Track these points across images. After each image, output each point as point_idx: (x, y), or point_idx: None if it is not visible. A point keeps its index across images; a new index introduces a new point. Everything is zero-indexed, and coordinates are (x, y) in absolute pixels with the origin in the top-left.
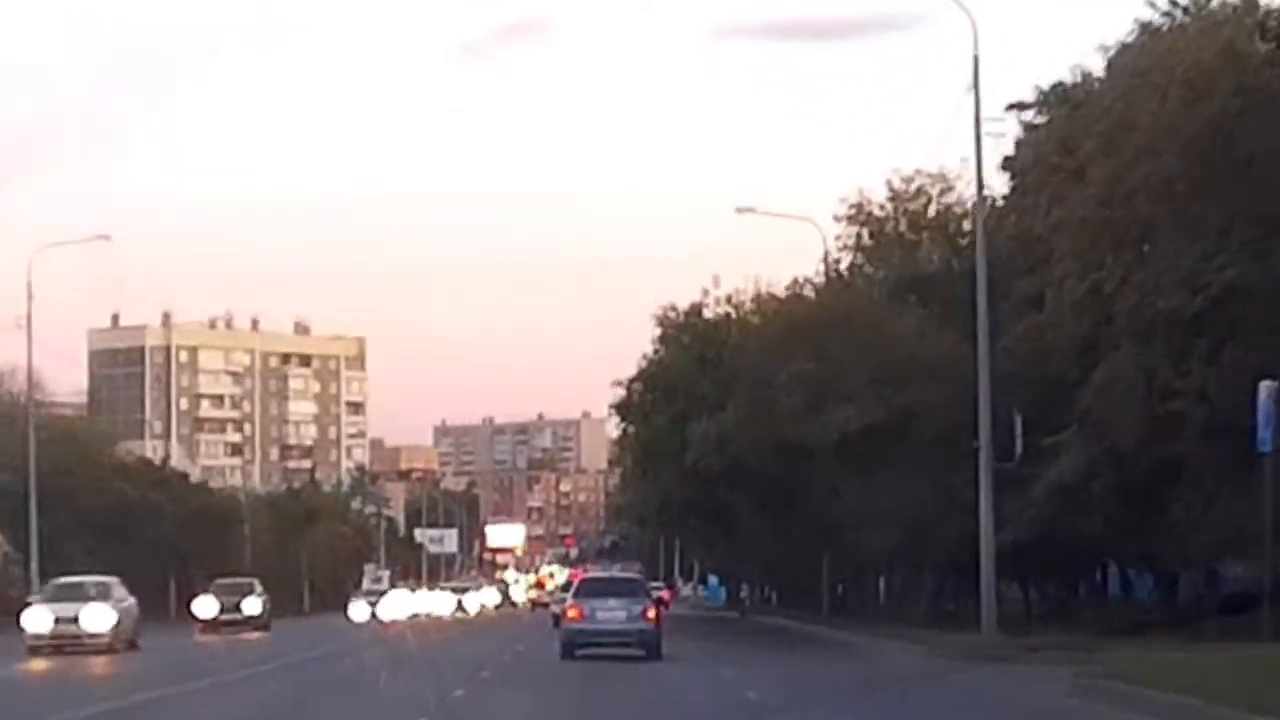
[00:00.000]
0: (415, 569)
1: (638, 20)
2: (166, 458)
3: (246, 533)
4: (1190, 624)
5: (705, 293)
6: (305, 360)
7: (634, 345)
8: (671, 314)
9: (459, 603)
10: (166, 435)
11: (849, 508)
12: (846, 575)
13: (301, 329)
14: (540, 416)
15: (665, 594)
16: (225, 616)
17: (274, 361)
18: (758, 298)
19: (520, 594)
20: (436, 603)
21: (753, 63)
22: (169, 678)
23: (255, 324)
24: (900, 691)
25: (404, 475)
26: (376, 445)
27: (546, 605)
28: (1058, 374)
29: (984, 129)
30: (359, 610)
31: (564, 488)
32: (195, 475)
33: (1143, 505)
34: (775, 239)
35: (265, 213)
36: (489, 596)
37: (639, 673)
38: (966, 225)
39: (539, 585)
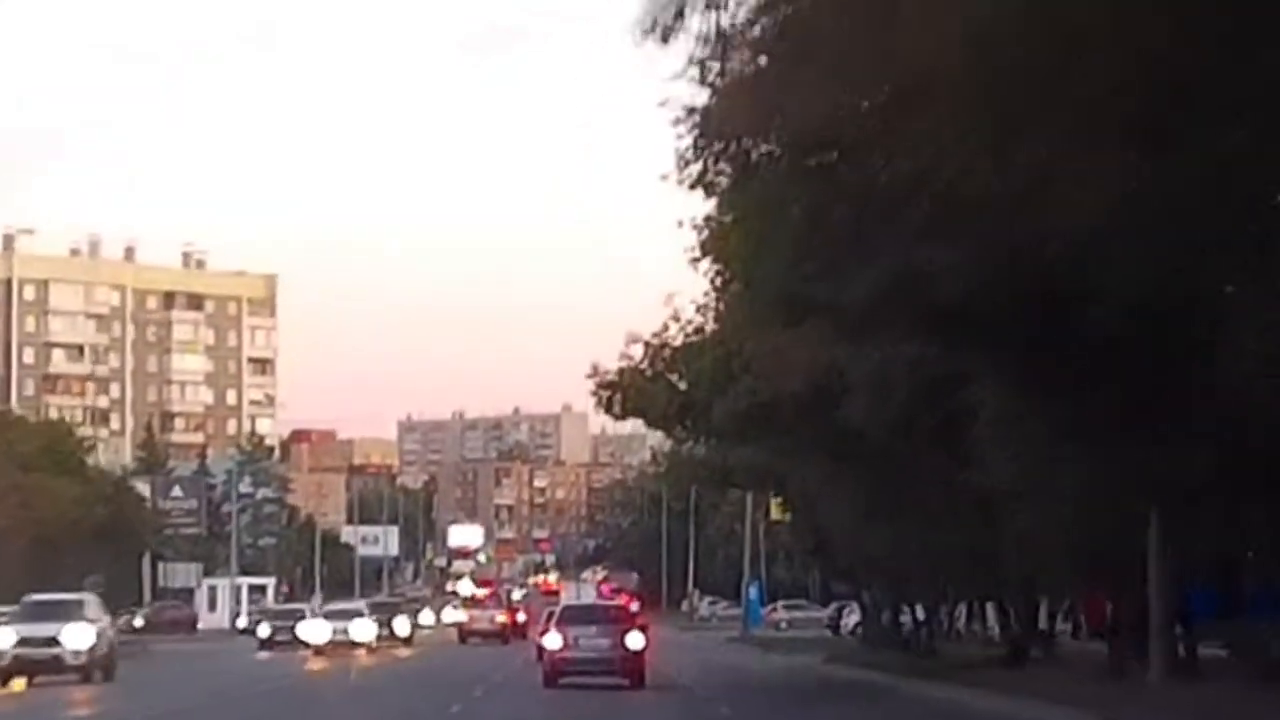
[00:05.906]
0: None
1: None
2: None
3: None
4: None
5: None
6: (196, 302)
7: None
8: None
9: None
10: (6, 396)
11: None
12: None
13: (194, 263)
14: (516, 410)
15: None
16: None
17: (153, 303)
18: None
19: (403, 626)
20: None
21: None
22: None
23: (130, 253)
24: None
25: (357, 470)
26: (327, 438)
27: (484, 632)
28: None
29: None
30: None
31: (539, 483)
32: None
33: None
34: None
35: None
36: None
37: None
38: None
39: (481, 602)
